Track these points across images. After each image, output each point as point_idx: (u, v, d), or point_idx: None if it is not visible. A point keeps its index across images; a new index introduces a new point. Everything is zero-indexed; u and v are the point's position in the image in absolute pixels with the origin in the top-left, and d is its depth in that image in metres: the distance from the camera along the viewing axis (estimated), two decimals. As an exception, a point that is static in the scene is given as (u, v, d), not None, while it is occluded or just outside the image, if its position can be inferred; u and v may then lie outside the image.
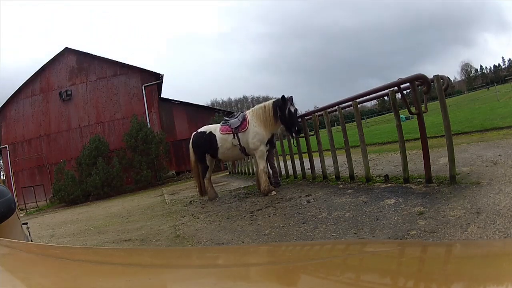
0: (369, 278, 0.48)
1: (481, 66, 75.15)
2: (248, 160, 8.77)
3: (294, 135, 5.33)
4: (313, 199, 4.14)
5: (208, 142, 5.66)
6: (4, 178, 16.85)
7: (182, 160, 15.30)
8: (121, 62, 16.50)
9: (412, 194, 3.21)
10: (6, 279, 0.49)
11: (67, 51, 16.22)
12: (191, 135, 6.26)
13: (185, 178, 14.34)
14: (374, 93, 4.44)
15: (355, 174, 4.63)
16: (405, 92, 3.88)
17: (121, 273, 0.57)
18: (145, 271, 0.59)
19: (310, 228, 3.06)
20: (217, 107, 33.75)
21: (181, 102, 17.13)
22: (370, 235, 2.54)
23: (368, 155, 4.34)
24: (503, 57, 78.91)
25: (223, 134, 5.52)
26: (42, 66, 16.11)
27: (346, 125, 5.06)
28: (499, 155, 3.97)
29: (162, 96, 16.86)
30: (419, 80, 3.64)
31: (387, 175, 4.08)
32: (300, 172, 5.94)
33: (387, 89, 4.00)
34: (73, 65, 16.11)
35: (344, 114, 5.08)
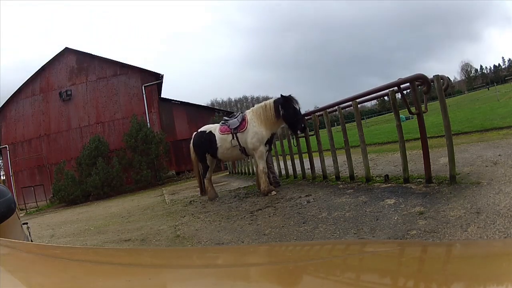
0: (369, 278, 0.49)
1: (481, 66, 75.27)
2: (248, 160, 8.77)
3: (299, 133, 5.27)
4: (313, 199, 4.14)
5: (208, 142, 5.66)
6: (4, 178, 16.85)
7: (182, 160, 15.30)
8: (121, 62, 16.50)
9: (412, 194, 3.21)
10: (6, 279, 0.49)
11: (67, 51, 16.22)
12: (191, 135, 6.26)
13: (185, 178, 14.35)
14: (374, 93, 4.44)
15: (355, 174, 4.63)
16: (405, 92, 3.88)
17: (121, 273, 0.57)
18: (145, 271, 0.59)
19: (310, 228, 3.06)
20: (217, 107, 33.76)
21: (181, 102, 17.13)
22: (370, 235, 2.54)
23: (368, 155, 4.34)
24: (503, 57, 78.81)
25: (222, 134, 5.51)
26: (42, 66, 16.11)
27: (346, 125, 5.06)
28: (499, 155, 3.97)
29: (162, 96, 16.87)
30: (419, 80, 3.64)
31: (387, 175, 4.08)
32: (300, 172, 5.94)
33: (387, 89, 4.00)
34: (73, 65, 16.10)
35: (344, 114, 5.08)
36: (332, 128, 5.17)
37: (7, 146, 15.85)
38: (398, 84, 3.75)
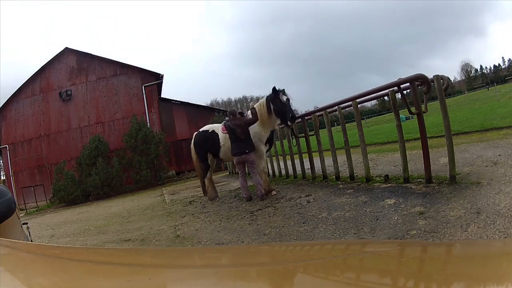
0: (369, 278, 0.49)
1: (481, 66, 75.15)
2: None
3: (289, 123, 5.26)
4: (313, 199, 4.14)
5: (210, 141, 5.68)
6: (4, 178, 16.84)
7: (182, 160, 15.30)
8: (121, 62, 16.49)
9: (412, 194, 3.21)
10: (6, 279, 0.49)
11: (67, 51, 16.21)
12: (191, 135, 6.26)
13: (185, 178, 14.34)
14: (374, 93, 4.44)
15: (355, 174, 4.63)
16: (405, 92, 3.88)
17: (121, 273, 0.57)
18: (145, 271, 0.59)
19: (310, 228, 3.06)
20: (217, 107, 33.73)
21: (181, 102, 17.12)
22: (370, 235, 2.54)
23: (368, 155, 4.34)
24: (503, 57, 78.72)
25: (224, 133, 5.54)
26: (42, 66, 16.09)
27: (346, 125, 5.06)
28: (499, 155, 3.97)
29: (162, 96, 16.86)
30: (419, 80, 3.64)
31: (387, 175, 4.08)
32: (300, 172, 5.94)
33: (387, 89, 4.00)
34: (73, 65, 16.10)
35: (344, 114, 5.08)
36: (332, 128, 5.17)
37: (7, 146, 15.84)
38: (398, 84, 3.75)
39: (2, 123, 16.05)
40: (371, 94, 4.46)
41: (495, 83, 42.77)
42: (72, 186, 13.38)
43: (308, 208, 3.76)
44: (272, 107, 5.10)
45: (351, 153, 4.67)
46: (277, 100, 5.05)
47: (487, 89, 42.42)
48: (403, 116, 10.38)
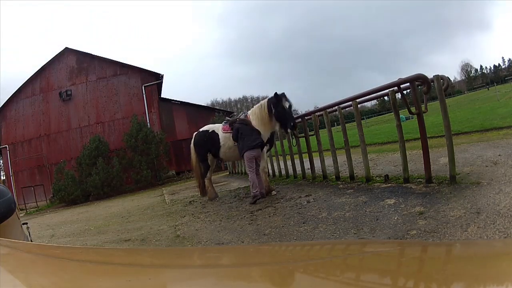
0: (369, 278, 0.49)
1: (481, 66, 75.14)
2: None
3: (289, 130, 5.29)
4: (313, 199, 4.14)
5: (211, 140, 5.69)
6: (4, 178, 16.84)
7: (182, 160, 15.29)
8: (121, 62, 16.50)
9: (412, 194, 3.21)
10: (6, 279, 0.49)
11: (67, 51, 16.21)
12: (191, 135, 6.26)
13: (185, 178, 14.34)
14: (374, 93, 4.44)
15: (355, 174, 4.63)
16: (405, 92, 3.88)
17: (121, 273, 0.57)
18: (145, 271, 0.59)
19: (310, 228, 3.06)
20: (217, 107, 33.75)
21: (181, 102, 17.13)
22: (370, 235, 2.54)
23: (368, 155, 4.34)
24: (503, 57, 78.65)
25: (225, 132, 5.56)
26: (42, 66, 16.10)
27: (346, 125, 5.06)
28: (499, 155, 3.97)
29: (162, 96, 16.87)
30: (419, 80, 3.64)
31: (387, 175, 4.08)
32: (300, 172, 5.94)
33: (387, 89, 4.00)
34: (73, 65, 16.10)
35: (344, 114, 5.08)
36: (332, 128, 5.17)
37: (7, 146, 15.84)
38: (398, 84, 3.76)
39: (2, 123, 16.05)
40: (371, 94, 4.46)
41: (495, 83, 42.77)
42: (72, 186, 13.38)
43: (308, 208, 3.76)
44: (273, 110, 5.12)
45: (351, 153, 4.67)
46: (279, 105, 5.07)
47: (487, 89, 42.42)
48: (403, 116, 10.39)
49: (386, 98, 4.91)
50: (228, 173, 11.94)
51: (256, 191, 4.78)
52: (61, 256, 0.70)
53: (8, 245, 0.76)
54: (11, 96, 16.07)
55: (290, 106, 5.13)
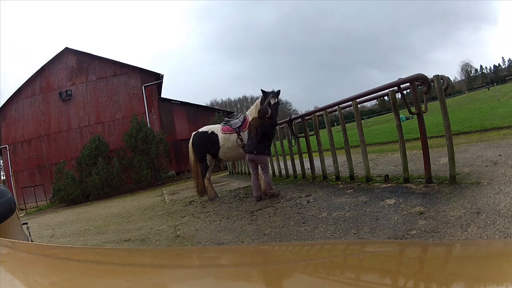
0: (369, 278, 0.49)
1: (481, 66, 75.09)
2: (248, 160, 8.76)
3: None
4: (313, 199, 4.14)
5: (210, 141, 5.70)
6: (4, 178, 16.83)
7: (182, 160, 15.28)
8: (121, 62, 16.49)
9: (412, 194, 3.21)
10: (6, 279, 0.49)
11: (67, 51, 16.21)
12: (191, 135, 6.26)
13: (185, 178, 14.34)
14: (374, 93, 4.44)
15: (355, 174, 4.63)
16: (405, 92, 3.88)
17: (121, 273, 0.57)
18: (145, 271, 0.59)
19: (310, 228, 3.06)
20: (217, 107, 33.71)
21: (181, 102, 17.12)
22: (370, 235, 2.54)
23: (368, 155, 4.34)
24: (503, 57, 78.57)
25: (224, 133, 5.59)
26: (42, 66, 16.09)
27: (346, 125, 5.06)
28: (499, 155, 3.97)
29: (162, 96, 16.87)
30: (419, 80, 3.64)
31: (387, 175, 4.08)
32: (300, 172, 5.94)
33: (387, 89, 4.00)
34: (73, 65, 16.10)
35: (344, 114, 5.08)
36: (332, 128, 5.18)
37: (7, 146, 15.84)
38: (398, 84, 3.76)
39: (2, 123, 16.05)
40: (371, 94, 4.46)
41: (495, 83, 42.78)
42: (72, 186, 13.38)
43: (308, 208, 3.76)
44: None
45: (351, 153, 4.67)
46: (264, 101, 5.16)
47: (487, 89, 42.42)
48: (403, 116, 10.37)
49: (386, 98, 4.91)
50: (228, 173, 11.94)
51: (257, 194, 4.95)
52: (61, 256, 0.70)
53: (8, 245, 0.76)
54: (11, 96, 16.07)
55: (275, 103, 5.15)
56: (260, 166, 4.99)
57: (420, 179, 3.63)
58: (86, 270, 0.59)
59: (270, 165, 7.04)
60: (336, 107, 5.01)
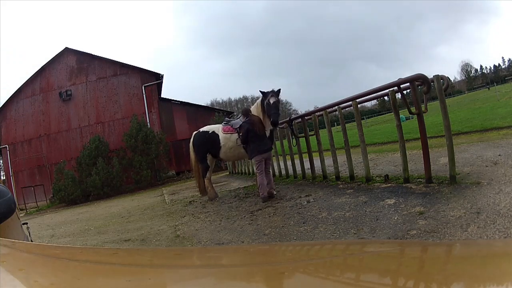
0: (369, 278, 0.49)
1: (481, 66, 75.08)
2: (248, 160, 8.76)
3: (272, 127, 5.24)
4: (313, 199, 4.14)
5: (210, 141, 5.70)
6: (4, 178, 16.83)
7: (182, 160, 15.29)
8: (121, 62, 16.49)
9: (412, 194, 3.21)
10: (6, 279, 0.49)
11: (67, 51, 16.21)
12: (191, 135, 6.27)
13: (185, 178, 14.34)
14: (374, 93, 4.45)
15: (355, 174, 4.63)
16: (405, 92, 3.88)
17: (121, 273, 0.57)
18: (145, 271, 0.59)
19: (310, 228, 3.06)
20: (217, 107, 33.71)
21: (181, 102, 17.12)
22: (370, 235, 2.54)
23: (368, 155, 4.34)
24: (503, 57, 78.49)
25: (225, 133, 5.58)
26: (42, 66, 16.09)
27: (346, 125, 5.07)
28: (499, 155, 3.97)
29: (162, 96, 16.87)
30: (419, 80, 3.64)
31: (387, 175, 4.08)
32: (300, 172, 5.94)
33: (387, 89, 4.00)
34: (73, 65, 16.10)
35: (344, 114, 5.08)
36: (332, 128, 5.18)
37: (7, 146, 15.84)
38: (398, 84, 3.76)
39: (2, 123, 16.04)
40: (371, 94, 4.47)
41: (495, 83, 42.77)
42: (72, 186, 13.38)
43: (308, 208, 3.76)
44: (264, 107, 5.17)
45: (351, 153, 4.67)
46: (264, 101, 5.13)
47: (487, 88, 42.41)
48: (403, 116, 10.37)
49: (386, 98, 4.91)
50: (228, 173, 11.94)
51: (263, 194, 4.80)
52: (61, 256, 0.70)
53: (8, 245, 0.76)
54: (11, 96, 16.07)
55: (274, 102, 5.11)
56: (267, 163, 4.99)
57: (420, 179, 3.63)
58: (86, 270, 0.59)
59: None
60: (336, 107, 5.02)
